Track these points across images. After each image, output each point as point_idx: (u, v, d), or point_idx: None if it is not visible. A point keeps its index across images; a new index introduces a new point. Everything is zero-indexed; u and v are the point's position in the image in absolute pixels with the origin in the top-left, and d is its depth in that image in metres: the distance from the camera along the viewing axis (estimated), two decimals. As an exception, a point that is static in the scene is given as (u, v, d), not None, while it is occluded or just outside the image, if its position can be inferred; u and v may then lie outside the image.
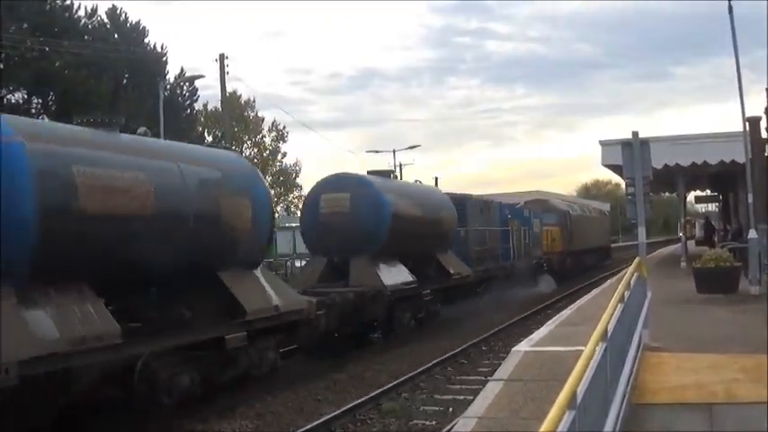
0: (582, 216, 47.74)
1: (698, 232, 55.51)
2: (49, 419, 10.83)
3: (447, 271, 25.06)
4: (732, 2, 19.23)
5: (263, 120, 71.56)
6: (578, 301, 19.12)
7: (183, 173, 13.65)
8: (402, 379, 15.93)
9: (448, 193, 28.07)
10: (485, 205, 31.33)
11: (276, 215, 59.63)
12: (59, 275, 11.13)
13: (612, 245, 65.87)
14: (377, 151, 64.27)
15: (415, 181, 27.81)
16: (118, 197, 11.95)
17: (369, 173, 23.68)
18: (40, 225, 10.71)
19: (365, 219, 21.07)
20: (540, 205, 41.56)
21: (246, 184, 15.54)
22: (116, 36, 38.20)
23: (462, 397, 14.14)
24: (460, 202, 28.09)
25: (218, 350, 13.77)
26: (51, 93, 33.81)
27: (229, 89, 47.76)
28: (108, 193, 11.76)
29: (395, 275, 21.60)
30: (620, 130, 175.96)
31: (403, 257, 22.59)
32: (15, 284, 10.34)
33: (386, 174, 25.11)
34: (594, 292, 21.60)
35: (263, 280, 15.74)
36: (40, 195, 10.79)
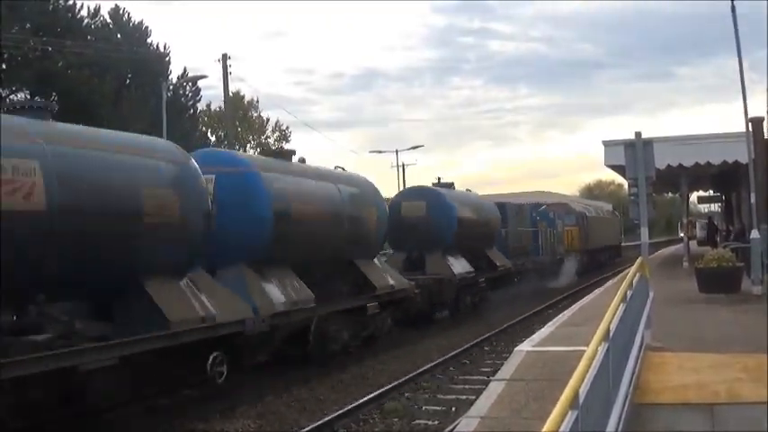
0: (596, 217, 52.50)
1: (699, 232, 56.92)
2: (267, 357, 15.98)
3: (494, 263, 30.62)
4: (735, 2, 19.26)
5: (268, 120, 71.64)
6: (580, 301, 19.15)
7: (340, 190, 19.31)
8: (404, 379, 15.96)
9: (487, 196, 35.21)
10: (519, 209, 37.02)
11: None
12: (278, 259, 16.45)
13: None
14: (380, 151, 64.67)
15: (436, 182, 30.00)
16: (311, 208, 17.71)
17: (435, 185, 29.22)
18: (274, 225, 16.02)
19: (438, 222, 26.38)
20: (562, 208, 45.44)
21: (374, 197, 21.51)
22: (119, 36, 38.24)
23: (465, 397, 14.17)
24: (501, 206, 33.81)
25: (361, 315, 19.17)
26: (54, 93, 33.82)
27: (232, 89, 47.85)
28: (306, 204, 17.50)
29: (460, 266, 26.79)
30: (623, 130, 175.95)
31: (464, 252, 27.83)
32: (257, 264, 15.86)
33: (449, 185, 30.04)
34: (597, 291, 21.62)
35: (381, 266, 21.61)
36: (273, 205, 16.13)
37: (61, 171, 11.09)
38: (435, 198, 27.10)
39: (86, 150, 11.96)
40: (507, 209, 34.64)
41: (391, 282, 20.92)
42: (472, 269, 27.77)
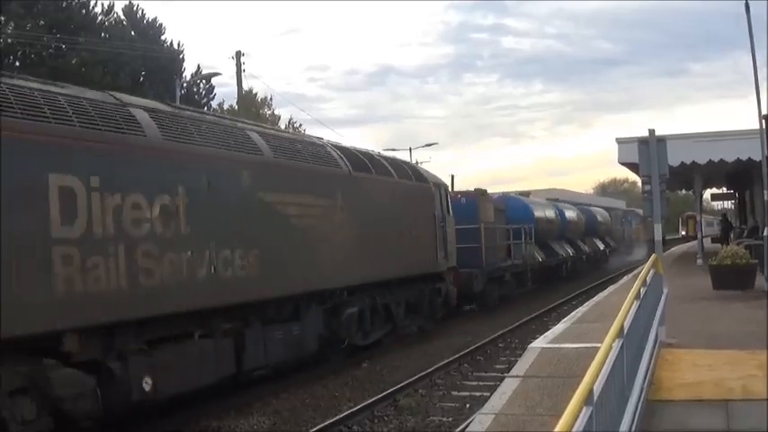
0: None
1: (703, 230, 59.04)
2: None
3: (598, 248, 50.83)
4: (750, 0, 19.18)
5: (280, 117, 71.55)
6: (594, 298, 19.11)
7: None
8: (418, 376, 15.95)
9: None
10: (611, 212, 58.93)
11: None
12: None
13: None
14: (393, 149, 64.03)
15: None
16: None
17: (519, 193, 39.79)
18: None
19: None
20: (633, 213, 68.23)
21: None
22: (133, 33, 38.28)
23: (479, 393, 14.17)
24: (590, 214, 50.10)
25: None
26: (68, 90, 33.91)
27: (246, 87, 47.82)
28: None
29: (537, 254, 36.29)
30: (638, 127, 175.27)
31: (569, 241, 43.53)
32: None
33: (526, 194, 40.41)
34: (611, 288, 21.59)
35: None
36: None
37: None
38: (516, 202, 35.65)
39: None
40: (612, 214, 58.92)
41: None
42: (542, 257, 37.00)
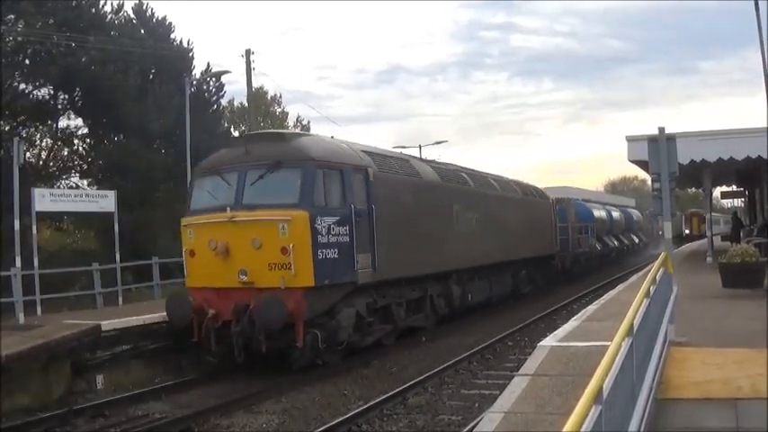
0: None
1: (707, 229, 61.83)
2: None
3: (635, 242, 61.20)
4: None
5: (288, 115, 71.57)
6: (604, 296, 19.06)
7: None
8: (428, 374, 15.97)
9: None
10: (643, 213, 66.75)
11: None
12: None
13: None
14: (403, 147, 63.55)
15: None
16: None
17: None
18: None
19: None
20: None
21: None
22: (142, 32, 38.26)
23: (488, 392, 14.15)
24: (628, 214, 61.21)
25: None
26: (77, 89, 33.90)
27: (255, 84, 47.69)
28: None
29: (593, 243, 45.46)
30: (648, 125, 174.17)
31: (614, 236, 54.26)
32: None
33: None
34: (620, 287, 21.54)
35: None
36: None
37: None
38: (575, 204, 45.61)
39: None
40: (645, 214, 66.39)
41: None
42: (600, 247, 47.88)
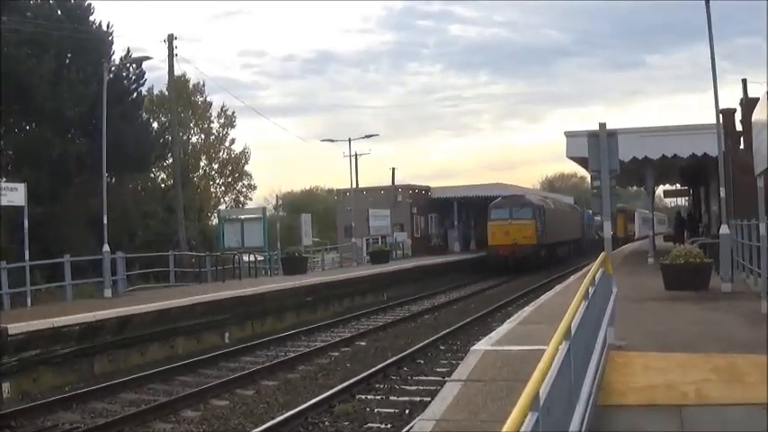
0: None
1: (637, 230, 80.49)
2: None
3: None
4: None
5: (212, 105, 69.61)
6: (540, 298, 18.73)
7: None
8: (355, 379, 15.34)
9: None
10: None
11: (224, 206, 60.17)
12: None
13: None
14: (331, 140, 62.39)
15: None
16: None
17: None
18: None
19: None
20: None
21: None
22: (59, 13, 36.91)
23: (419, 398, 13.62)
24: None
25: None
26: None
27: (178, 72, 46.42)
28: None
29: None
30: (590, 121, 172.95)
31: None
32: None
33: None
34: (557, 288, 21.24)
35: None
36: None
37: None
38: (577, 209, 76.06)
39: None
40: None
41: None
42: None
